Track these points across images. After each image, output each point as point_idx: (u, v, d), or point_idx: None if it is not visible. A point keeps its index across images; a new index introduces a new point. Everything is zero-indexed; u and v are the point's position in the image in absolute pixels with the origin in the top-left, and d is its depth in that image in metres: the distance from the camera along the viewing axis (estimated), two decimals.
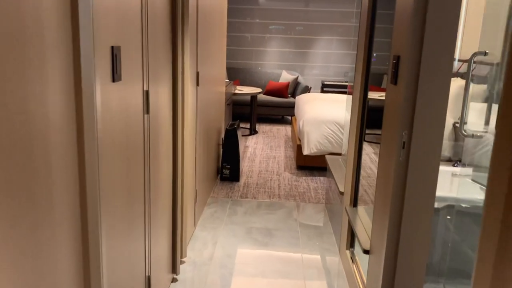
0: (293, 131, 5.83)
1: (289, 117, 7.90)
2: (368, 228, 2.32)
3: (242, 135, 6.39)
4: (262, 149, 5.64)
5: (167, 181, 2.34)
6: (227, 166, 4.29)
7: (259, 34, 8.03)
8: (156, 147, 2.05)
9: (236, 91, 6.27)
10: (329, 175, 3.67)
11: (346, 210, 2.60)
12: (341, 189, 2.86)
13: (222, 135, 4.69)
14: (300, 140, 4.82)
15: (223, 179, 4.33)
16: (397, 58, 1.71)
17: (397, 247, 1.74)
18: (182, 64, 2.37)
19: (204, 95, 3.34)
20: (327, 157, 3.71)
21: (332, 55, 8.06)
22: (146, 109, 1.85)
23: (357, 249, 2.58)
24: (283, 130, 6.91)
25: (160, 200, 2.18)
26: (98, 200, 1.31)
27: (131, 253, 1.73)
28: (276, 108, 7.24)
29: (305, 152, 4.57)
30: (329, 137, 4.56)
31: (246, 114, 7.56)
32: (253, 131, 6.57)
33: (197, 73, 2.99)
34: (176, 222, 2.53)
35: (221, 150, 4.50)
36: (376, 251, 1.89)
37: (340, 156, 3.68)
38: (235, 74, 7.86)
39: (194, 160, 3.08)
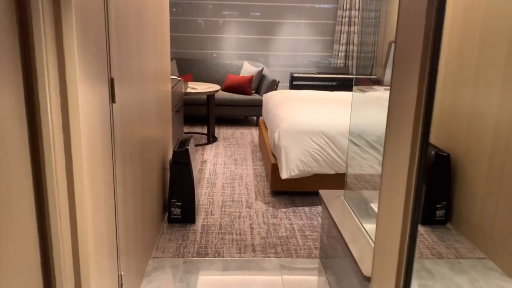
0: (261, 135, 4.64)
1: (254, 118, 6.67)
2: None
3: (197, 145, 5.12)
4: (224, 165, 4.41)
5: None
6: (177, 203, 3.04)
7: (213, 18, 6.72)
8: None
9: (189, 90, 4.98)
10: (322, 206, 2.52)
11: None
12: (366, 272, 1.70)
13: (170, 156, 3.43)
14: (275, 157, 3.63)
15: (173, 221, 3.08)
16: None
17: None
18: (59, 74, 1.12)
19: (131, 107, 2.08)
20: (322, 192, 2.55)
21: (300, 42, 6.89)
22: None
23: None
24: (249, 134, 5.69)
25: None
26: None
27: None
28: (238, 107, 5.98)
29: (284, 175, 3.39)
30: (314, 154, 3.40)
31: (202, 116, 6.27)
32: (211, 138, 5.31)
33: (111, 80, 1.72)
34: None
35: (169, 177, 3.24)
36: None
37: (343, 192, 2.53)
38: (187, 67, 6.53)
39: (114, 219, 1.83)
